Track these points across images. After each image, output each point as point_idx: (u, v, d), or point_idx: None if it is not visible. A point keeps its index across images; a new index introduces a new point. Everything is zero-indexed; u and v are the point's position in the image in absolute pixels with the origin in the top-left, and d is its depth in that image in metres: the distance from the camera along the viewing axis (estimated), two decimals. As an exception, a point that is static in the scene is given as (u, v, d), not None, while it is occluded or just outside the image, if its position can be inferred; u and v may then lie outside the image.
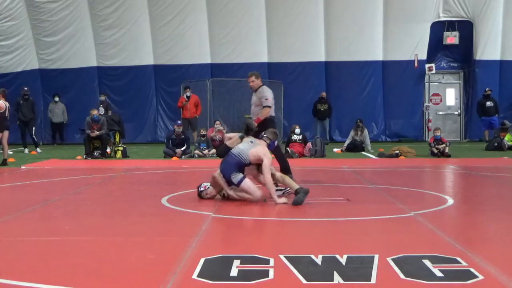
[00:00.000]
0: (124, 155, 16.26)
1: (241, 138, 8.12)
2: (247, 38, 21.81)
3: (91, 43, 22.15)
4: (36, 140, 18.43)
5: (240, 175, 7.64)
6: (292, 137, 16.32)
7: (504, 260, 4.62)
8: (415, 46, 21.66)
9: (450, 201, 7.82)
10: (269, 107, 9.42)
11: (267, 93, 9.49)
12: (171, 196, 8.00)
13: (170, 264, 4.50)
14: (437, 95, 22.94)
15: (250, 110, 9.74)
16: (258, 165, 7.80)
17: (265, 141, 8.10)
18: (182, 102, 19.33)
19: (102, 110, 18.22)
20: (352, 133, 17.84)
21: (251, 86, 9.63)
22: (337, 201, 7.93)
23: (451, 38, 21.97)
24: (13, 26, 22.02)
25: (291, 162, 14.63)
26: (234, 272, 4.28)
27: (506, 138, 17.44)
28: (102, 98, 19.62)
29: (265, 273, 4.25)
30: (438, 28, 21.95)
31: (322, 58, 22.05)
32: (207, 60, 22.13)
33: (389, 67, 21.97)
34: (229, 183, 7.71)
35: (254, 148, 7.80)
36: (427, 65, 21.90)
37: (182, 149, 15.91)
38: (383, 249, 4.96)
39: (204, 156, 16.13)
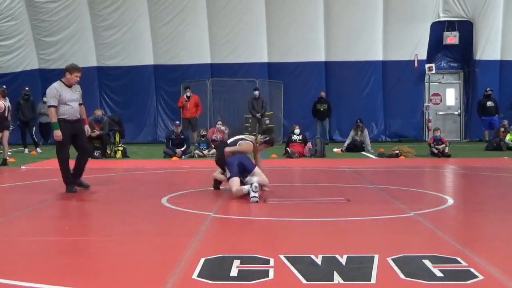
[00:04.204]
0: (124, 155, 16.25)
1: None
2: (247, 38, 21.80)
3: (91, 43, 22.14)
4: (36, 140, 18.42)
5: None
6: (292, 137, 16.31)
7: (504, 260, 4.62)
8: (415, 46, 21.67)
9: (450, 201, 7.81)
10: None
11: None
12: (171, 196, 7.99)
13: (170, 264, 4.50)
14: (437, 95, 22.93)
15: (71, 108, 8.85)
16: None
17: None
18: (182, 102, 19.33)
19: None
20: (352, 133, 17.82)
21: (75, 81, 8.99)
22: (337, 201, 7.92)
23: (451, 38, 21.96)
24: (13, 26, 22.01)
25: (292, 162, 14.75)
26: (234, 272, 4.28)
27: (507, 138, 17.42)
28: None
29: (265, 273, 4.24)
30: (438, 28, 21.94)
31: (322, 58, 22.04)
32: (207, 60, 22.12)
33: (389, 67, 21.96)
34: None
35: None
36: (427, 65, 21.89)
37: (182, 149, 15.91)
38: (383, 249, 4.96)
39: (204, 156, 16.12)
